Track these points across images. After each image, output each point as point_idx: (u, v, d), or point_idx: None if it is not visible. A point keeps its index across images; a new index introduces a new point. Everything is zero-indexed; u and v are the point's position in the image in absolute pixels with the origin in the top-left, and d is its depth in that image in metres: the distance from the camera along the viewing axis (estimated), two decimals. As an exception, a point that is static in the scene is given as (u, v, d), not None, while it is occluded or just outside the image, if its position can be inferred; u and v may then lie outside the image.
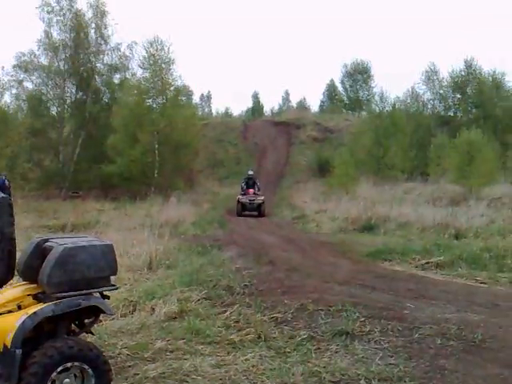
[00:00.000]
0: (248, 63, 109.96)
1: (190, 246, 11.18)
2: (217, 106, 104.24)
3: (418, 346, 4.93)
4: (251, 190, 21.71)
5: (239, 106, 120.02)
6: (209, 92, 65.18)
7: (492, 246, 9.94)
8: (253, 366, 4.54)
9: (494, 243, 10.22)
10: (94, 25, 28.80)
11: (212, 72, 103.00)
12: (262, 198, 21.40)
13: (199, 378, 4.27)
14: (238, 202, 21.32)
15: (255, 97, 59.97)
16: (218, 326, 5.59)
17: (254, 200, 21.23)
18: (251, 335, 5.33)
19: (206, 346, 5.06)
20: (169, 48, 26.83)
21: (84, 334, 4.19)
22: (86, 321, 4.01)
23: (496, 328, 5.44)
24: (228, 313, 6.03)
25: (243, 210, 21.11)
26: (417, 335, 5.19)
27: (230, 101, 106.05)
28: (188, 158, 28.67)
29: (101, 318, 5.17)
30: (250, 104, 60.67)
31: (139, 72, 28.25)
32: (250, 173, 22.74)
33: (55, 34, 28.18)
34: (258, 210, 21.07)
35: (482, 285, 8.10)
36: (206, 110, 61.66)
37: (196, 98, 58.25)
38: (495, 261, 9.26)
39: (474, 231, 12.17)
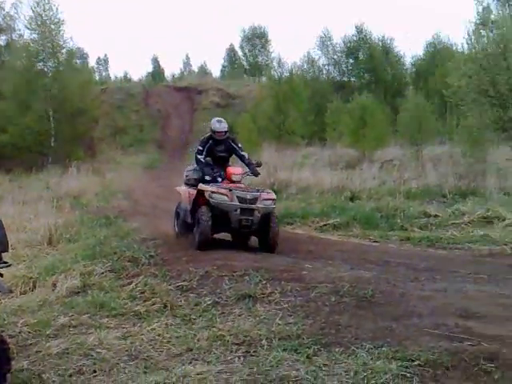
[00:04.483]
0: (146, 26, 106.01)
1: (93, 218, 10.89)
2: (115, 71, 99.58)
3: (314, 305, 5.20)
4: (231, 169, 8.44)
5: (138, 71, 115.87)
6: (105, 55, 62.39)
7: (383, 207, 10.65)
8: (159, 335, 4.61)
9: (385, 204, 10.94)
10: (-28, -19, 26.41)
11: (108, 34, 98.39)
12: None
13: (104, 350, 4.27)
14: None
15: (155, 61, 58.32)
16: (123, 298, 5.57)
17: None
18: (157, 305, 5.37)
19: (111, 319, 5.04)
20: (57, 8, 25.39)
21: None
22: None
23: (385, 283, 5.86)
24: (133, 284, 5.99)
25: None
26: (313, 294, 5.46)
27: (129, 65, 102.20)
28: (86, 125, 27.46)
29: (-2, 297, 5.04)
30: (149, 68, 59.07)
31: (27, 33, 26.50)
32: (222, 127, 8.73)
33: None
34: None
35: (374, 243, 8.69)
36: (104, 74, 59.08)
37: (92, 62, 55.78)
38: (386, 220, 9.97)
39: (367, 193, 12.89)
